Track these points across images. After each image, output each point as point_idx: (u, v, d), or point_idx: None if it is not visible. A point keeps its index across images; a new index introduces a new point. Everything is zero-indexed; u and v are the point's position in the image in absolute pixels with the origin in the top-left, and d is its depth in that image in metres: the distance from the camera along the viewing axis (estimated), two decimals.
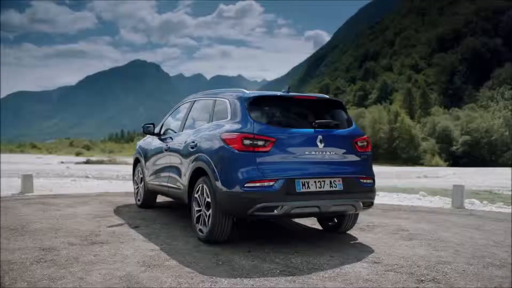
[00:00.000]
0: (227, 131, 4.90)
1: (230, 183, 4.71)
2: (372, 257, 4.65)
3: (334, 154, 5.00)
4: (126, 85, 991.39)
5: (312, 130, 4.94)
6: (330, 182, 4.90)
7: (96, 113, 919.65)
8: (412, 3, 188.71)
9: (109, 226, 6.00)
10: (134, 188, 7.97)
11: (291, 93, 5.27)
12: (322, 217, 5.97)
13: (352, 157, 5.14)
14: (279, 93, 5.30)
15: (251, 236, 5.61)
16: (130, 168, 9.30)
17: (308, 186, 4.78)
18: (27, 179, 10.33)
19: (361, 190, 5.09)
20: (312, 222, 6.40)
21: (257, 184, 4.63)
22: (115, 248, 4.81)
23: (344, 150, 5.09)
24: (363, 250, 4.94)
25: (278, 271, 4.11)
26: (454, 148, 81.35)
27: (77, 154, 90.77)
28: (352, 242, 5.39)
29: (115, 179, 18.07)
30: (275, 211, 4.63)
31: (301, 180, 4.76)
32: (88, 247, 4.81)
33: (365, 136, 5.33)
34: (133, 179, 8.02)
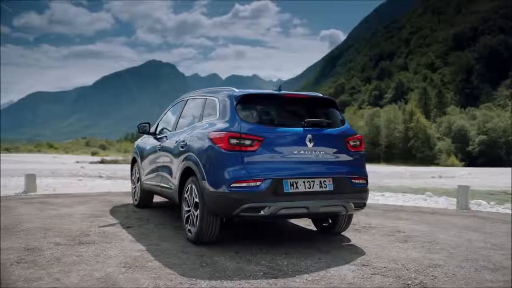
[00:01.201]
0: (215, 130, 4.82)
1: (216, 183, 4.62)
2: (361, 259, 4.53)
3: (324, 153, 4.88)
4: (142, 85, 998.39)
5: (302, 129, 4.83)
6: (320, 183, 4.78)
7: (112, 113, 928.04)
8: (428, 1, 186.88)
9: (101, 226, 5.95)
10: (132, 188, 7.94)
11: (282, 92, 5.16)
12: (315, 218, 5.86)
13: (344, 157, 5.01)
14: (269, 92, 5.21)
15: (242, 236, 5.53)
16: None
17: (297, 187, 4.67)
18: (30, 179, 10.37)
19: (353, 190, 4.95)
20: (307, 223, 6.29)
21: (244, 184, 4.54)
22: (101, 248, 4.75)
23: (335, 150, 4.97)
24: (354, 252, 4.81)
25: (261, 273, 4.01)
26: (470, 148, 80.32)
27: (93, 154, 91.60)
28: (344, 244, 5.27)
29: (128, 179, 17.98)
30: (262, 212, 4.53)
31: (289, 180, 4.65)
32: (73, 248, 4.76)
33: (357, 135, 5.20)
34: (131, 179, 7.99)
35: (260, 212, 4.54)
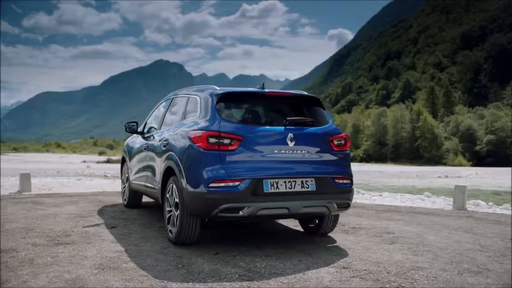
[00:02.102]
0: (194, 129, 4.72)
1: (195, 182, 4.52)
2: (343, 261, 4.41)
3: (307, 153, 4.76)
4: (149, 85, 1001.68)
5: (283, 128, 4.72)
6: (302, 183, 4.67)
7: (120, 112, 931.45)
8: (436, 0, 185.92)
9: (85, 226, 5.88)
10: (122, 188, 7.88)
11: (264, 90, 5.05)
12: (301, 219, 5.74)
13: (327, 156, 4.90)
14: (251, 90, 5.11)
15: (225, 237, 5.43)
16: None
17: (277, 187, 4.56)
18: (24, 178, 10.33)
19: (336, 191, 4.83)
20: (295, 224, 6.18)
21: (222, 184, 4.44)
22: (78, 249, 4.67)
23: (318, 149, 4.85)
24: (337, 254, 4.69)
25: (237, 275, 3.91)
26: (478, 147, 79.70)
27: (100, 154, 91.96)
28: (329, 245, 5.15)
29: None
30: (241, 212, 4.42)
31: (269, 180, 4.54)
32: (50, 248, 4.68)
33: (342, 134, 5.07)
34: (121, 178, 7.92)
35: (239, 213, 4.43)
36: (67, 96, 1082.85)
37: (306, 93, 5.38)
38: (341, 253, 4.76)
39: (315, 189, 4.71)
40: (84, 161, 51.57)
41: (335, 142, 4.98)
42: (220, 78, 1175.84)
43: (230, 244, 5.02)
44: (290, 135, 4.67)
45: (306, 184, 4.69)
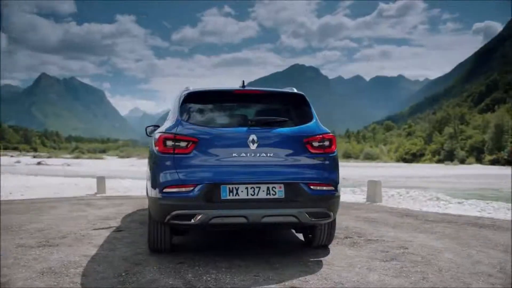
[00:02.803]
0: (158, 132, 4.56)
1: (153, 187, 4.35)
2: (302, 279, 3.85)
3: (273, 156, 4.28)
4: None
5: (245, 129, 4.32)
6: (268, 189, 4.22)
7: None
8: None
9: (95, 229, 6.05)
10: None
11: (235, 88, 4.70)
12: (301, 228, 5.22)
13: (302, 160, 4.35)
14: (220, 89, 4.78)
15: (214, 245, 5.17)
16: None
17: (237, 193, 4.17)
18: (100, 181, 11.02)
19: (309, 198, 4.26)
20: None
21: (175, 190, 4.18)
22: (51, 251, 4.76)
23: (290, 151, 4.34)
24: (303, 271, 4.09)
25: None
26: None
27: None
28: (312, 259, 4.58)
29: None
30: (192, 220, 4.11)
31: (228, 186, 4.17)
32: (29, 250, 4.82)
33: (322, 135, 4.46)
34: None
35: (190, 221, 4.13)
36: None
37: (286, 90, 4.90)
38: (313, 270, 4.16)
39: (283, 196, 4.23)
40: None
41: (314, 144, 4.42)
42: (356, 80, 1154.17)
43: (210, 253, 4.73)
44: (252, 136, 4.25)
45: (273, 190, 4.23)
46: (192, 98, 4.62)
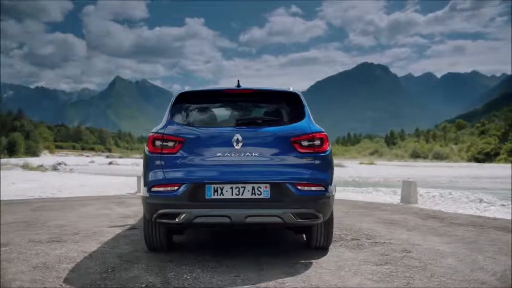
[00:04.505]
0: (150, 132, 4.66)
1: (144, 186, 4.44)
2: (279, 282, 3.79)
3: (259, 155, 4.25)
4: (354, 88, 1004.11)
5: (230, 128, 4.32)
6: (253, 189, 4.19)
7: (326, 116, 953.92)
8: None
9: (110, 227, 6.27)
10: None
11: (224, 87, 4.71)
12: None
13: (290, 159, 4.28)
14: (211, 88, 4.82)
15: (209, 245, 5.20)
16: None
17: (222, 193, 4.18)
18: (139, 181, 11.35)
19: (295, 199, 4.17)
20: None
21: (161, 189, 4.26)
22: (55, 247, 5.00)
23: (276, 151, 4.28)
24: (288, 274, 3.99)
25: (143, 285, 3.72)
26: None
27: None
28: (303, 261, 4.47)
29: None
30: (177, 219, 4.18)
31: (213, 186, 4.19)
32: (39, 245, 5.10)
33: (311, 134, 4.35)
34: None
35: (175, 219, 4.19)
36: None
37: (278, 89, 4.84)
38: (294, 272, 4.05)
39: (269, 197, 4.19)
40: None
41: (303, 143, 4.32)
42: (427, 78, 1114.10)
43: (202, 252, 4.77)
44: (237, 136, 4.24)
45: (258, 190, 4.20)
46: (184, 99, 4.68)
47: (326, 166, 4.39)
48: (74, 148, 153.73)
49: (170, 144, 4.32)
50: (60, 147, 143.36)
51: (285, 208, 4.16)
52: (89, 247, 5.02)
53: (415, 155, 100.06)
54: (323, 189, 4.31)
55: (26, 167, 34.09)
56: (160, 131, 4.41)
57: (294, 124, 4.46)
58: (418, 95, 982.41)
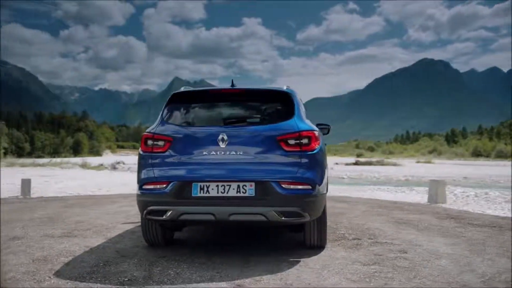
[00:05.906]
0: (145, 131, 4.83)
1: (138, 184, 4.63)
2: (255, 279, 3.82)
3: (244, 154, 4.30)
4: (413, 85, 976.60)
5: (216, 127, 4.42)
6: (238, 187, 4.25)
7: (386, 114, 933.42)
8: None
9: (122, 223, 6.52)
10: None
11: (217, 87, 4.81)
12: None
13: (275, 158, 4.29)
14: (203, 89, 4.91)
15: (208, 242, 5.30)
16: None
17: (208, 191, 4.27)
18: None
19: (280, 197, 4.18)
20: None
21: (151, 187, 4.43)
22: (61, 242, 5.27)
23: (262, 149, 4.32)
24: (269, 272, 4.01)
25: (126, 279, 3.87)
26: None
27: (358, 155, 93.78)
28: (291, 259, 4.47)
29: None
30: (164, 216, 4.32)
31: (199, 184, 4.29)
32: (51, 239, 5.40)
33: (298, 132, 4.34)
34: None
35: (163, 216, 4.34)
36: (333, 101, 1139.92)
37: (270, 88, 4.87)
38: (276, 270, 4.07)
39: (253, 195, 4.23)
40: (336, 163, 53.12)
41: (289, 141, 4.33)
42: (492, 73, 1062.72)
43: (198, 249, 4.92)
44: (222, 135, 4.32)
45: (244, 188, 4.26)
46: (178, 99, 4.81)
47: (314, 165, 4.38)
48: (134, 147, 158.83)
49: (160, 143, 4.47)
50: (122, 147, 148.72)
51: (269, 206, 4.19)
52: (94, 242, 5.26)
53: (477, 154, 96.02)
54: (310, 187, 4.29)
55: (84, 166, 35.72)
56: (151, 131, 4.58)
57: (281, 123, 4.47)
58: (481, 91, 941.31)
